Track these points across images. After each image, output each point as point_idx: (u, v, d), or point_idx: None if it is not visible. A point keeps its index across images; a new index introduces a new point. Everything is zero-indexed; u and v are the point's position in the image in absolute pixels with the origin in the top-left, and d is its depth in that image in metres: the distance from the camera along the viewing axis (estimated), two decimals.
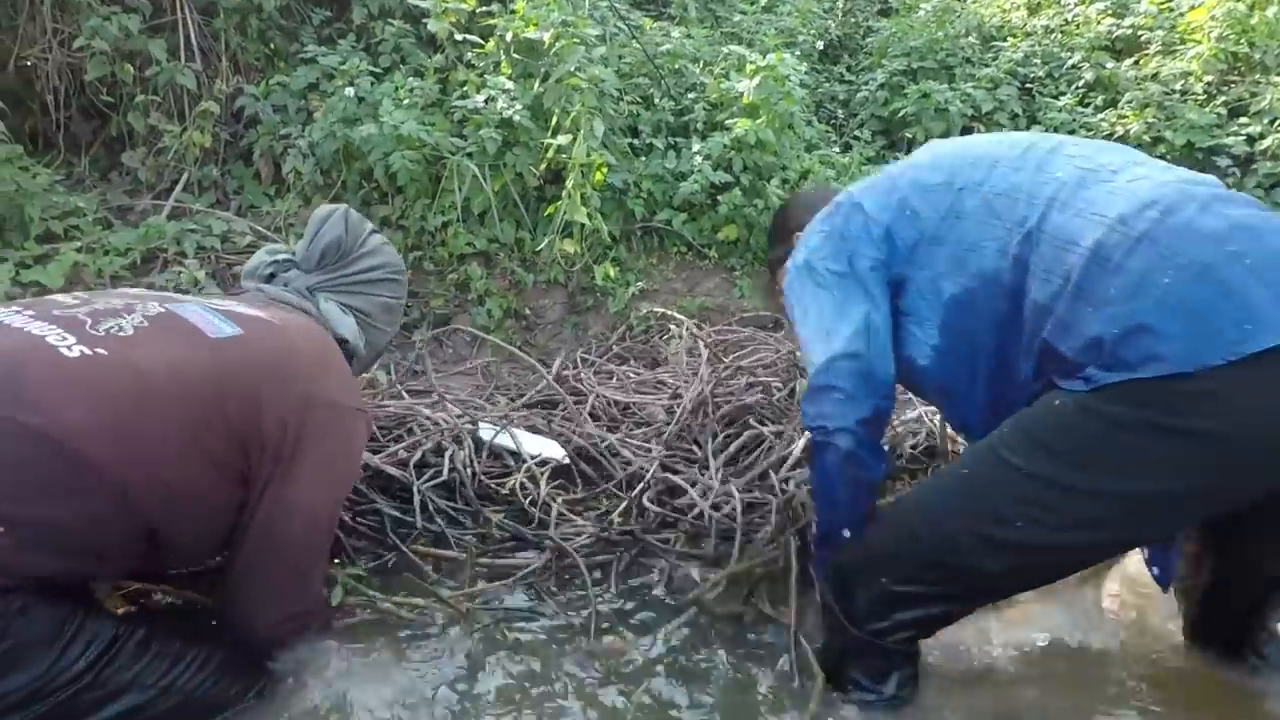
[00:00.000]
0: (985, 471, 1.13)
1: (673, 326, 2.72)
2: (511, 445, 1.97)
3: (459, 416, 2.04)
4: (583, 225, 2.79)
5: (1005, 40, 4.53)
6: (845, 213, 1.33)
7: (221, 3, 3.55)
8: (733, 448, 2.02)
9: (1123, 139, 3.82)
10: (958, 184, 1.23)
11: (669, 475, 1.92)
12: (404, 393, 2.32)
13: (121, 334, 0.99)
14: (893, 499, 1.52)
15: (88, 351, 0.94)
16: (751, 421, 2.11)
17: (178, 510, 1.04)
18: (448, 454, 1.88)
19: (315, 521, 1.16)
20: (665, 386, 2.37)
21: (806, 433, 1.48)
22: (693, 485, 1.86)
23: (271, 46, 3.84)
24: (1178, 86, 3.85)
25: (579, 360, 2.59)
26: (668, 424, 2.12)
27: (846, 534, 1.30)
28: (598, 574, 1.67)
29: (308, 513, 1.13)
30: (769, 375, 2.29)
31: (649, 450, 2.02)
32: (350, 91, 3.12)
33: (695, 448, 2.05)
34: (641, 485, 1.87)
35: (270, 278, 1.33)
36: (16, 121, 3.62)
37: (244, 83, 3.58)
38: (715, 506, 1.77)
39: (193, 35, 3.53)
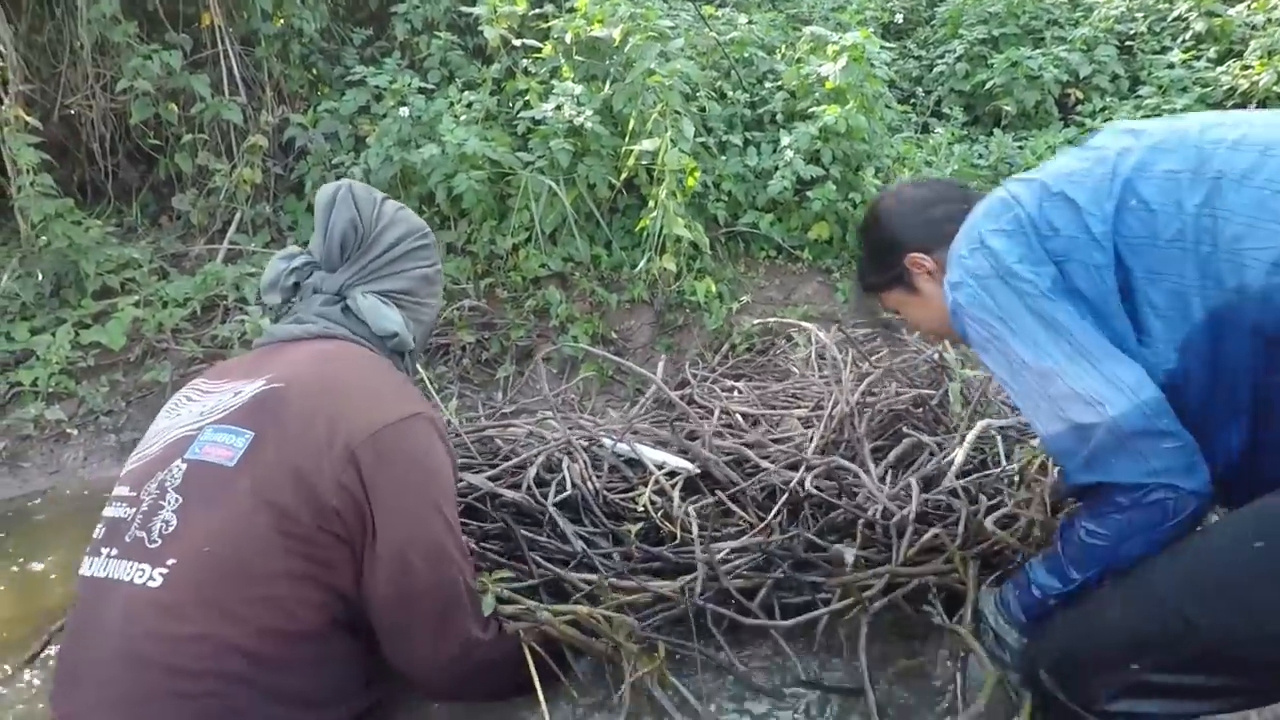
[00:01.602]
0: None
1: (794, 334, 2.43)
2: (636, 455, 1.72)
3: (572, 430, 1.79)
4: (679, 238, 2.51)
5: None
6: (1037, 203, 1.04)
7: (262, 31, 3.38)
8: (892, 455, 1.72)
9: (1247, 94, 3.42)
10: (1211, 170, 0.95)
11: (838, 467, 1.62)
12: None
13: (171, 530, 0.98)
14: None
15: (165, 571, 0.96)
16: (905, 430, 1.81)
17: (351, 608, 1.04)
18: (564, 466, 1.64)
19: (433, 548, 1.06)
20: (799, 400, 2.08)
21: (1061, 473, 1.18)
22: (854, 493, 1.57)
23: (314, 72, 3.67)
24: None
25: (690, 377, 2.33)
26: (810, 436, 1.82)
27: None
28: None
29: (423, 546, 1.04)
30: (915, 380, 2.01)
31: (798, 458, 1.74)
32: (405, 111, 2.91)
33: (846, 462, 1.76)
34: (798, 477, 1.57)
35: (295, 288, 1.22)
36: (65, 173, 3.52)
37: (289, 112, 3.41)
38: (888, 513, 1.46)
39: (235, 67, 3.37)
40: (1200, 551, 0.99)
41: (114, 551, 0.99)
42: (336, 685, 1.05)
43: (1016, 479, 1.54)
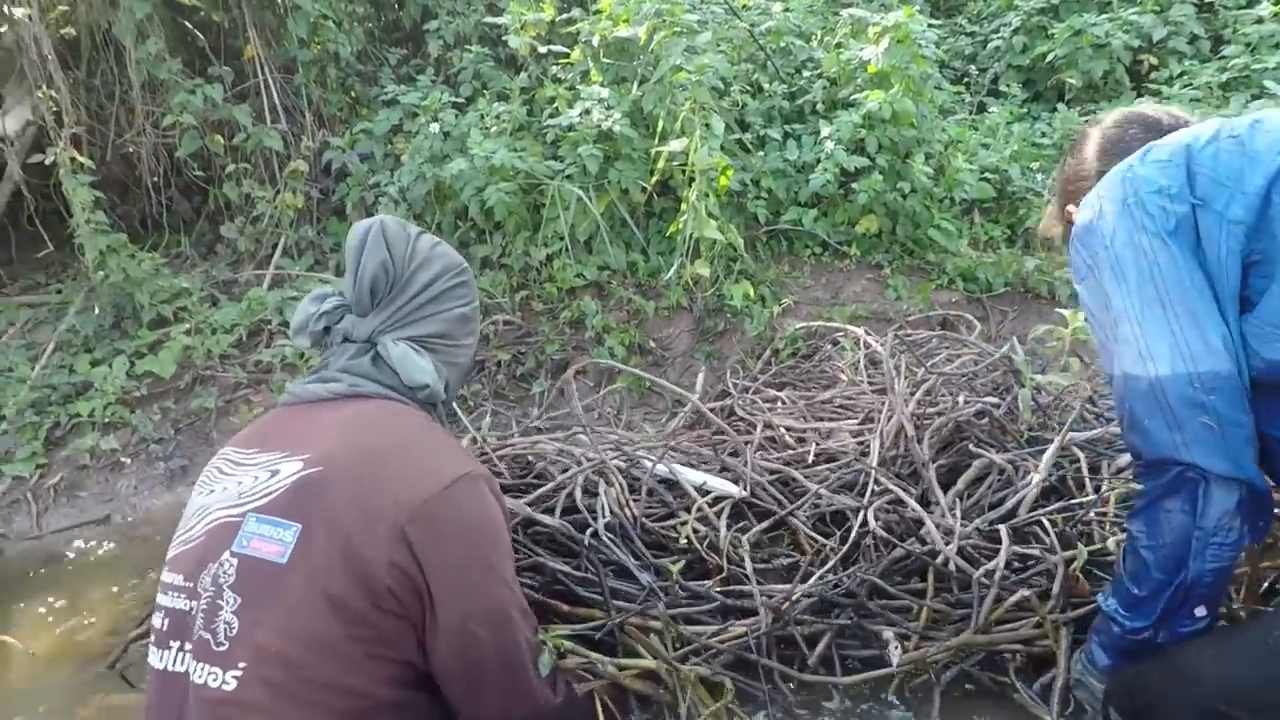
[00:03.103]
0: None
1: (840, 338, 2.28)
2: (679, 478, 1.63)
3: (608, 449, 1.70)
4: (713, 242, 2.40)
5: None
6: (1208, 140, 0.94)
7: (300, 57, 3.44)
8: (961, 482, 1.57)
9: None
10: None
11: (898, 501, 1.51)
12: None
13: (234, 632, 0.98)
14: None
15: (237, 674, 0.96)
16: (971, 447, 1.65)
17: (411, 672, 1.03)
18: (600, 491, 1.56)
19: (495, 614, 1.04)
20: (849, 410, 1.94)
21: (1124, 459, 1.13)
22: (919, 527, 1.43)
23: (353, 94, 3.72)
24: None
25: (731, 388, 2.21)
26: (865, 453, 1.69)
27: (1194, 622, 0.94)
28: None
29: (484, 614, 1.03)
30: (979, 386, 1.84)
31: (853, 478, 1.63)
32: (435, 128, 2.89)
33: (907, 484, 1.61)
34: (862, 508, 1.45)
35: (326, 331, 1.19)
36: (126, 209, 3.67)
37: (329, 135, 3.46)
38: (967, 558, 1.34)
39: (275, 95, 3.43)
40: (1252, 636, 0.90)
41: (186, 647, 1.01)
42: None
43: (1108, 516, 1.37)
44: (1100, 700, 1.05)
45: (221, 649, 0.98)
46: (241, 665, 0.96)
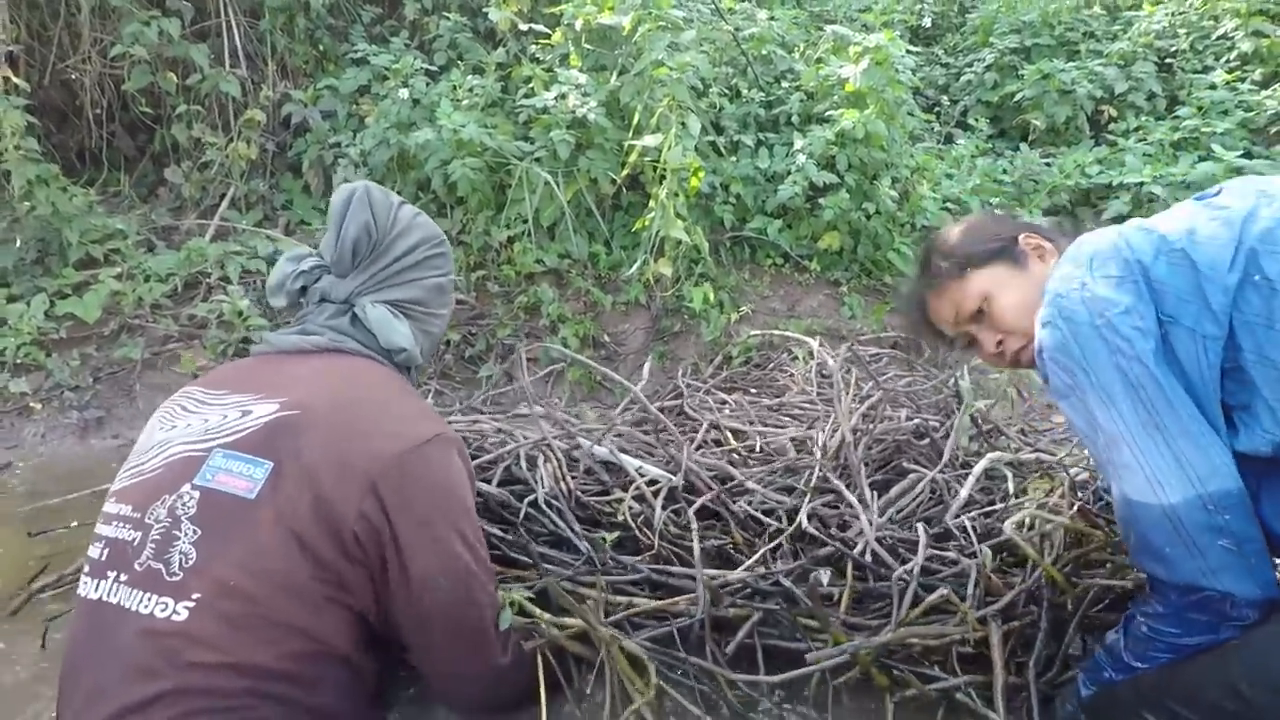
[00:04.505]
0: None
1: (794, 349, 2.30)
2: (615, 460, 1.61)
3: (551, 427, 1.69)
4: (678, 242, 2.39)
5: (1138, 9, 3.97)
6: (1154, 253, 0.97)
7: (267, 3, 3.28)
8: (894, 491, 1.59)
9: None
10: None
11: (833, 503, 1.52)
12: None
13: (191, 563, 0.96)
14: None
15: (190, 605, 0.95)
16: (905, 464, 1.68)
17: (362, 629, 1.03)
18: (539, 464, 1.56)
19: (458, 573, 1.05)
20: (795, 419, 1.96)
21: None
22: (844, 528, 1.44)
23: (320, 48, 3.57)
24: None
25: (681, 387, 2.20)
26: (801, 460, 1.70)
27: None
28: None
29: (448, 571, 1.04)
30: (923, 406, 1.88)
31: (791, 482, 1.64)
32: (404, 93, 2.80)
33: (842, 492, 1.62)
34: (804, 510, 1.44)
35: (302, 290, 1.19)
36: (63, 139, 3.44)
37: (291, 88, 3.31)
38: (891, 550, 1.35)
39: (237, 39, 3.27)
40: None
41: (124, 577, 0.97)
42: (365, 700, 1.07)
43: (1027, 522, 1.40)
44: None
45: (175, 579, 0.95)
46: (195, 596, 0.94)
